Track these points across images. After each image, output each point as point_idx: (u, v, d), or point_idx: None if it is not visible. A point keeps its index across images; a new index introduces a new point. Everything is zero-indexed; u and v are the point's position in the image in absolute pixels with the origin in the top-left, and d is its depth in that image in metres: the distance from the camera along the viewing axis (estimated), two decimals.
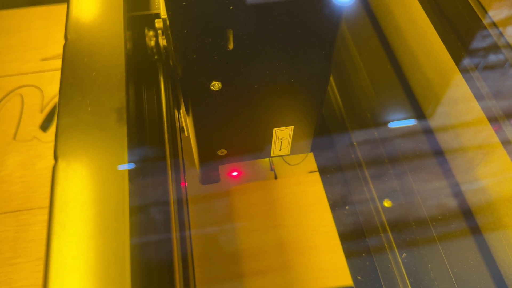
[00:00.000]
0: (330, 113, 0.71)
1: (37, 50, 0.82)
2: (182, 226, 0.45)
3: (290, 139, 0.53)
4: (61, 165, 0.30)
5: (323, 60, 0.42)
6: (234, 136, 0.50)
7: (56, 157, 0.31)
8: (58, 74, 0.77)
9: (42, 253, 0.60)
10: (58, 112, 0.34)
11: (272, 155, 0.55)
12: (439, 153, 0.63)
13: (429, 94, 0.64)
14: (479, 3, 0.55)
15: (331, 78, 0.72)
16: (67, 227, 0.27)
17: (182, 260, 0.41)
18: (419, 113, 0.66)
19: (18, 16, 0.89)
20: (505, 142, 0.52)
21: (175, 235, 0.40)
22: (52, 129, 0.72)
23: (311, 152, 0.58)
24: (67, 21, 0.40)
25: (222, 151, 0.51)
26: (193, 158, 0.53)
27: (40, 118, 0.74)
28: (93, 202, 0.28)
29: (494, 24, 0.54)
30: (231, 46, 0.38)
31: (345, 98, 0.70)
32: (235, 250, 0.59)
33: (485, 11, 0.55)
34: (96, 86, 0.35)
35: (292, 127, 0.51)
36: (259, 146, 0.53)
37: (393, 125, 0.66)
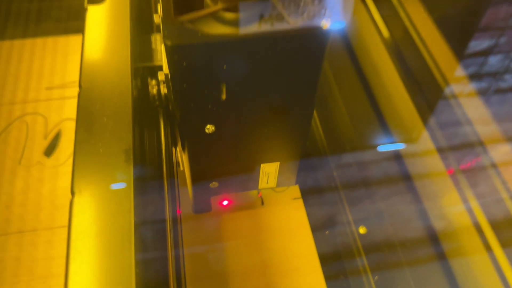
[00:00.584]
0: (313, 145, 0.77)
1: (41, 80, 0.88)
2: (177, 250, 0.50)
3: (276, 173, 0.58)
4: (77, 199, 0.36)
5: (305, 107, 0.48)
6: (225, 171, 0.55)
7: (72, 193, 0.36)
8: (61, 103, 0.83)
9: (45, 272, 0.65)
10: (74, 152, 0.39)
11: (259, 187, 0.59)
12: (409, 180, 0.68)
13: (399, 123, 0.70)
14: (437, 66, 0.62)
15: (315, 113, 0.79)
16: (82, 253, 0.32)
17: (177, 280, 0.46)
18: (390, 140, 0.72)
19: (24, 46, 0.94)
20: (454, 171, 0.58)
21: (170, 257, 0.45)
22: (55, 154, 0.77)
23: (295, 185, 0.63)
24: (81, 71, 0.45)
25: (214, 184, 0.56)
26: (187, 189, 0.58)
27: (44, 144, 0.79)
28: (104, 231, 0.33)
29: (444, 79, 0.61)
30: (224, 97, 0.43)
31: (326, 131, 0.76)
32: (224, 271, 0.64)
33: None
34: (107, 130, 0.40)
35: (278, 163, 0.56)
36: (248, 179, 0.58)
37: (369, 156, 0.72)
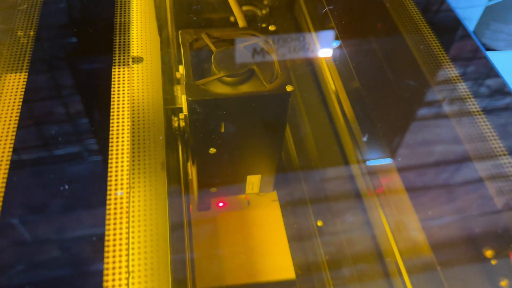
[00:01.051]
0: (288, 161, 0.92)
1: None
2: (190, 243, 0.70)
3: (259, 183, 0.73)
4: (133, 193, 0.54)
5: (278, 138, 0.66)
6: (221, 180, 0.71)
7: (130, 188, 0.54)
8: None
9: None
10: (130, 163, 0.56)
11: (246, 192, 0.75)
12: (358, 195, 0.79)
13: (352, 150, 0.89)
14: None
15: (291, 134, 0.94)
16: (141, 241, 0.51)
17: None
18: (347, 164, 0.86)
19: None
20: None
21: (187, 249, 0.65)
22: None
23: (273, 191, 0.79)
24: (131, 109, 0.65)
25: (213, 189, 0.72)
26: (194, 193, 0.73)
27: None
28: (150, 219, 0.51)
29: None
30: (222, 130, 0.60)
31: (298, 148, 0.93)
32: (213, 246, 0.78)
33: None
34: (150, 148, 0.58)
35: (260, 175, 0.72)
36: (238, 186, 0.73)
37: (328, 169, 0.90)
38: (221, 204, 0.80)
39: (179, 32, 0.65)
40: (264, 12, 1.03)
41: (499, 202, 0.58)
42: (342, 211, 0.83)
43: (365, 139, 0.74)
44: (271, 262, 0.77)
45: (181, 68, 0.63)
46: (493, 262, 0.53)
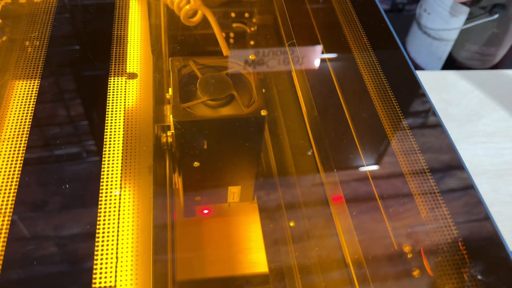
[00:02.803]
0: (267, 169, 0.98)
1: None
2: (172, 244, 0.76)
3: (239, 193, 0.78)
4: (122, 194, 0.61)
5: (255, 156, 0.68)
6: (205, 190, 0.75)
7: (120, 188, 0.63)
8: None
9: None
10: (120, 168, 0.65)
11: (228, 201, 0.80)
12: (326, 202, 0.87)
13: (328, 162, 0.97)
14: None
15: (270, 143, 1.00)
16: (128, 236, 0.61)
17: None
18: (315, 168, 0.96)
19: None
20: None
21: (169, 248, 0.72)
22: None
23: (253, 200, 0.82)
24: (124, 116, 0.73)
25: (198, 198, 0.76)
26: (180, 201, 0.76)
27: None
28: (135, 217, 0.58)
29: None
30: (205, 147, 0.63)
31: (277, 158, 1.00)
32: (197, 247, 0.85)
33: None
34: (139, 153, 0.64)
35: (240, 186, 0.76)
36: (220, 196, 0.78)
37: (299, 178, 0.97)
38: (205, 211, 0.84)
39: (170, 59, 0.72)
40: (252, 29, 1.10)
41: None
42: (311, 214, 0.90)
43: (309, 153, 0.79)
44: (247, 258, 0.82)
45: (171, 91, 0.69)
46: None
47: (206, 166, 0.68)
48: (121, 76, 0.75)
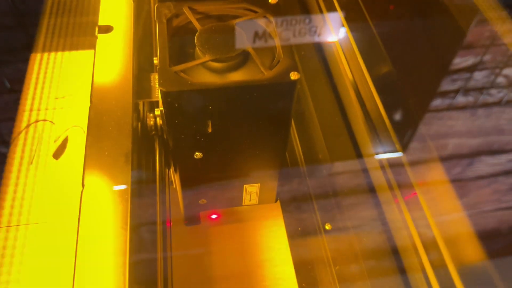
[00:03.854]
0: (290, 153, 0.82)
1: (52, 90, 0.92)
2: (165, 254, 0.57)
3: (257, 193, 0.62)
4: (87, 191, 0.43)
5: (280, 139, 0.54)
6: (212, 190, 0.60)
7: (83, 184, 0.43)
8: (69, 111, 0.88)
9: None
10: (85, 154, 0.46)
11: (243, 204, 0.64)
12: (372, 189, 0.73)
13: (366, 142, 0.75)
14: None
15: (295, 128, 0.84)
16: (90, 238, 0.40)
17: (164, 281, 0.53)
18: (359, 155, 0.77)
19: (36, 60, 0.98)
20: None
21: (159, 260, 0.52)
22: (63, 157, 0.82)
23: (275, 202, 0.67)
24: (92, 88, 0.52)
25: (203, 201, 0.61)
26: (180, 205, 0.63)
27: (53, 148, 0.84)
28: (106, 218, 0.41)
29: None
30: (210, 130, 0.49)
31: (302, 142, 0.81)
32: (205, 260, 0.69)
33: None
34: (112, 137, 0.47)
35: (259, 184, 0.60)
36: (233, 197, 0.62)
37: (337, 163, 0.78)
38: (214, 216, 0.71)
39: (156, 6, 0.50)
40: None
41: None
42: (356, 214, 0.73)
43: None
44: (269, 273, 0.70)
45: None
46: None
47: (211, 157, 0.53)
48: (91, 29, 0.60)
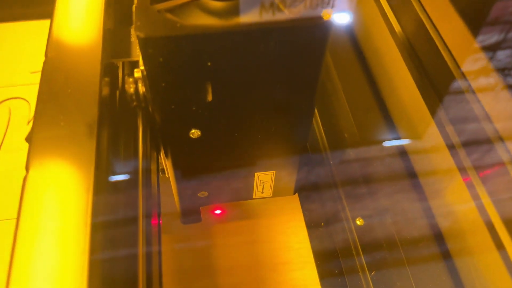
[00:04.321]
0: (311, 139, 0.70)
1: (26, 64, 0.79)
2: (151, 247, 0.44)
3: (272, 183, 0.51)
4: (32, 176, 0.31)
5: (303, 109, 0.41)
6: (214, 180, 0.48)
7: (27, 169, 0.31)
8: None
9: None
10: (33, 125, 0.34)
11: (254, 197, 0.53)
12: (412, 175, 0.62)
13: (404, 117, 0.62)
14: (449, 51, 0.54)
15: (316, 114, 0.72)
16: (32, 237, 0.28)
17: (147, 276, 0.40)
18: (395, 135, 0.65)
19: (8, 30, 0.86)
20: (462, 168, 0.52)
21: (141, 251, 0.40)
22: None
23: (293, 194, 0.56)
24: (48, 39, 0.40)
25: (203, 193, 0.50)
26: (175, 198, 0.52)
27: (26, 130, 0.71)
28: (58, 214, 0.29)
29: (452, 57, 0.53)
30: (210, 98, 0.36)
31: (324, 118, 0.69)
32: (209, 265, 0.59)
33: (446, 46, 0.54)
34: (71, 102, 0.35)
35: (274, 171, 0.49)
36: (241, 189, 0.51)
37: (368, 146, 0.65)
38: (217, 212, 0.60)
39: None
40: None
41: None
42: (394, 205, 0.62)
43: None
44: (286, 279, 0.60)
45: None
46: None
47: (212, 135, 0.42)
48: None
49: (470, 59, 0.51)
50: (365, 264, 0.58)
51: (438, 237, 0.57)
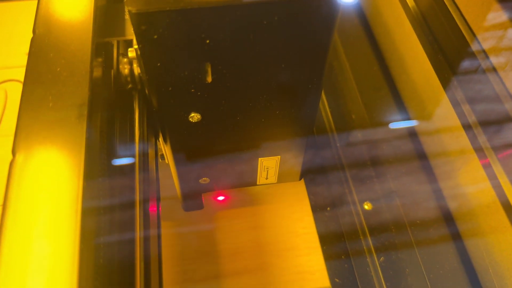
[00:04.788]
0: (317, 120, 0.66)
1: (21, 45, 0.76)
2: (147, 228, 0.42)
3: (277, 168, 0.49)
4: (18, 160, 0.29)
5: (310, 89, 0.38)
6: (216, 166, 0.46)
7: (14, 153, 0.29)
8: None
9: None
10: (19, 106, 0.32)
11: (258, 183, 0.50)
12: (422, 156, 0.59)
13: (415, 96, 0.59)
14: (462, 16, 0.50)
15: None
16: (19, 224, 0.26)
17: (144, 261, 0.38)
18: (405, 115, 0.62)
19: (1, 10, 0.82)
20: (479, 149, 0.49)
21: (138, 237, 0.37)
22: None
23: (300, 180, 0.54)
24: (36, 15, 0.37)
25: (205, 180, 0.47)
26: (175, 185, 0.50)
27: None
28: (47, 199, 0.27)
29: (471, 31, 0.50)
30: (209, 79, 0.33)
31: (330, 98, 0.65)
32: (212, 251, 0.56)
33: (465, 21, 0.50)
34: (60, 81, 0.32)
35: (279, 156, 0.47)
36: (244, 175, 0.49)
37: (377, 127, 0.62)
38: (220, 198, 0.57)
39: None
40: None
41: None
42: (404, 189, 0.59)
43: None
44: (292, 265, 0.57)
45: None
46: None
47: (213, 119, 0.39)
48: None
49: (491, 34, 0.47)
50: (373, 249, 0.56)
51: (449, 219, 0.55)
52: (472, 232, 0.52)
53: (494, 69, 0.47)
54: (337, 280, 0.55)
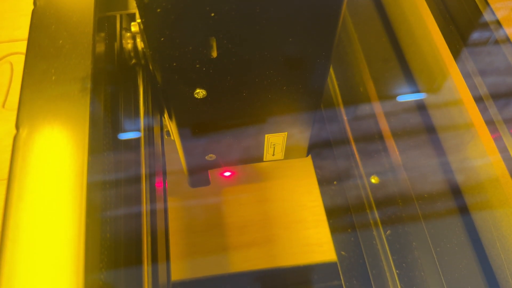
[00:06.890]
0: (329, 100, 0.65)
1: (26, 18, 0.74)
2: (153, 202, 0.41)
3: (283, 145, 0.47)
4: (22, 135, 0.28)
5: (318, 63, 0.36)
6: (222, 142, 0.44)
7: (17, 127, 0.29)
8: None
9: None
10: (22, 80, 0.31)
11: (264, 159, 0.49)
12: (431, 129, 0.57)
13: (424, 69, 0.57)
14: None
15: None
16: (24, 198, 0.26)
17: (151, 234, 0.38)
18: (414, 88, 0.60)
19: None
20: (490, 122, 0.47)
21: (144, 210, 0.37)
22: None
23: (307, 156, 0.52)
24: None
25: (211, 156, 0.46)
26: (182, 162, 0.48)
27: None
28: (51, 173, 0.27)
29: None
30: (214, 54, 0.32)
31: (338, 71, 0.63)
32: (220, 224, 0.56)
33: None
34: (62, 54, 0.31)
35: (286, 133, 0.45)
36: (250, 151, 0.47)
37: (385, 100, 0.60)
38: (227, 174, 0.57)
39: None
40: None
41: None
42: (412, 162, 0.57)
43: None
44: (299, 238, 0.57)
45: None
46: None
47: (218, 95, 0.37)
48: None
49: (507, 3, 0.45)
50: (379, 223, 0.55)
51: (457, 193, 0.54)
52: (480, 205, 0.51)
53: (508, 40, 0.44)
54: (343, 253, 0.55)
